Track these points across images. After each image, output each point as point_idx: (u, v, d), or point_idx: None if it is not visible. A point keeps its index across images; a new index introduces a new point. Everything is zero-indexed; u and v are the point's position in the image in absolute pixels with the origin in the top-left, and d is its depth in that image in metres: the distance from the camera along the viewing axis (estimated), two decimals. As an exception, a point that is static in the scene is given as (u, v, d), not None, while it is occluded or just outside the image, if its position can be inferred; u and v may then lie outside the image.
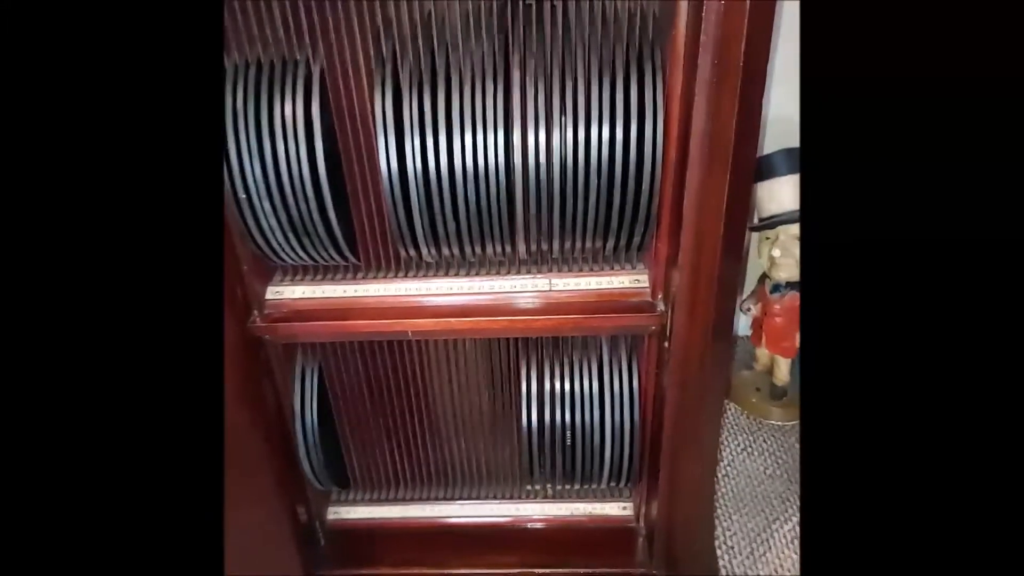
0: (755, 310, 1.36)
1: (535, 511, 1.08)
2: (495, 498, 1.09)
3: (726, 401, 1.46)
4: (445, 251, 0.82)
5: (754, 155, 0.69)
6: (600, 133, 0.73)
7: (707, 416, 0.89)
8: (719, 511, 1.23)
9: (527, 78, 0.73)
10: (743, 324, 1.49)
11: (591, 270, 0.87)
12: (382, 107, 0.73)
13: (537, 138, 0.74)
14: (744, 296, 1.41)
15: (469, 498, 1.09)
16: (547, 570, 1.01)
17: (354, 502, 1.10)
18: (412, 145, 0.74)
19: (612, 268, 0.87)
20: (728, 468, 1.31)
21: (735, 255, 0.74)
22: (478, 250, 0.81)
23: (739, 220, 0.72)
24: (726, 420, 1.42)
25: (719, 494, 1.26)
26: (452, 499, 1.09)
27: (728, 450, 1.35)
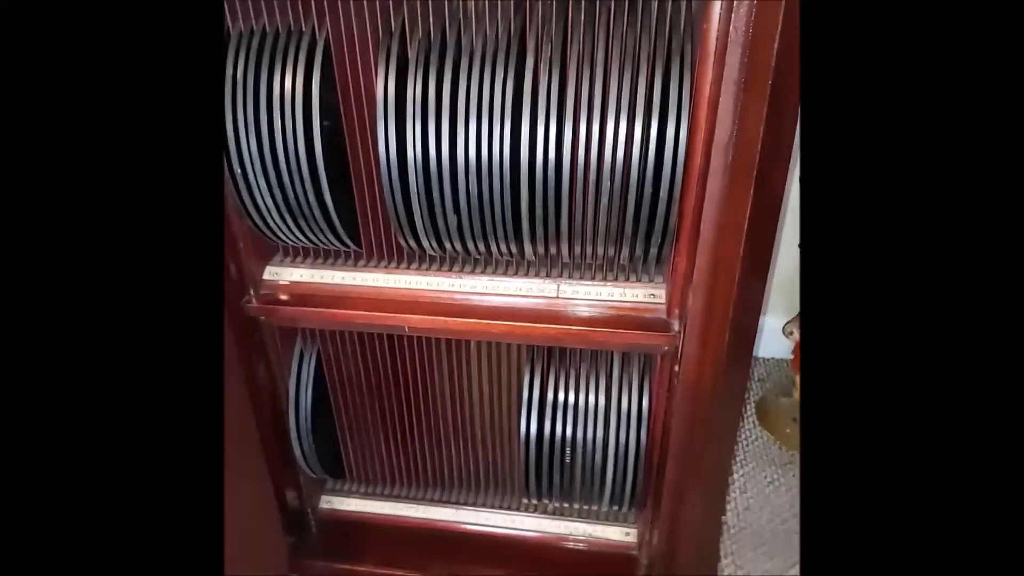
0: (797, 334, 1.26)
1: (531, 525, 1.02)
2: (490, 506, 1.04)
3: (759, 429, 1.36)
4: (447, 246, 0.77)
5: (785, 169, 0.60)
6: (618, 130, 0.66)
7: (716, 448, 0.81)
8: (735, 547, 1.14)
9: (542, 65, 0.66)
10: (786, 347, 1.39)
11: (604, 279, 0.80)
12: (384, 85, 0.68)
13: (548, 132, 0.68)
14: (789, 319, 1.31)
15: (463, 503, 1.04)
16: (534, 590, 0.96)
17: (348, 493, 1.07)
18: (413, 130, 0.69)
19: (627, 279, 0.79)
20: (751, 501, 1.22)
21: (757, 278, 0.66)
22: (482, 248, 0.76)
23: (763, 241, 0.64)
24: (756, 450, 1.32)
25: (738, 528, 1.17)
26: (446, 502, 1.05)
27: (754, 482, 1.25)
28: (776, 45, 0.54)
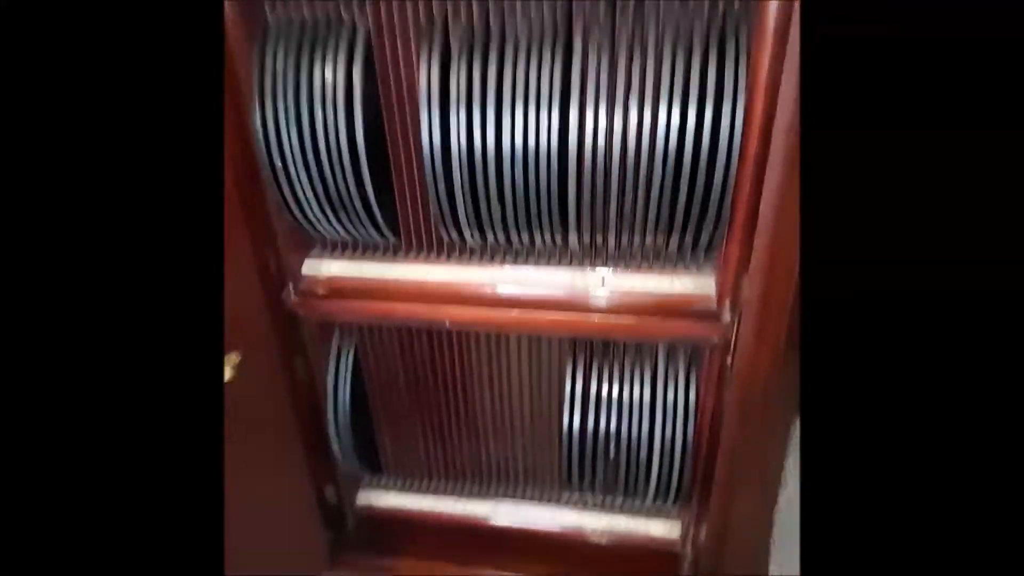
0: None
1: (572, 520, 1.01)
2: (531, 501, 1.02)
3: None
4: (490, 236, 0.75)
5: (850, 152, 0.57)
6: (670, 116, 0.64)
7: (770, 443, 0.79)
8: (780, 543, 1.12)
9: (591, 49, 0.64)
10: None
11: (651, 268, 0.78)
12: (427, 74, 0.66)
13: (598, 118, 0.66)
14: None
15: (503, 497, 1.03)
16: (577, 586, 0.94)
17: (385, 488, 1.06)
18: (457, 119, 0.67)
19: (675, 268, 0.77)
20: (794, 495, 1.19)
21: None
22: (525, 238, 0.74)
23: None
24: (797, 442, 1.29)
25: (783, 523, 1.15)
26: (485, 497, 1.03)
27: (795, 476, 1.23)
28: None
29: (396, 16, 0.68)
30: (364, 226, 0.76)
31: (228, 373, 0.69)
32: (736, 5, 0.61)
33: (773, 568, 1.07)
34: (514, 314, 0.78)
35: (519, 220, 0.72)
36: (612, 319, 0.75)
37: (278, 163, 0.71)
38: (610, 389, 0.87)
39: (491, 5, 0.66)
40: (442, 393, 0.93)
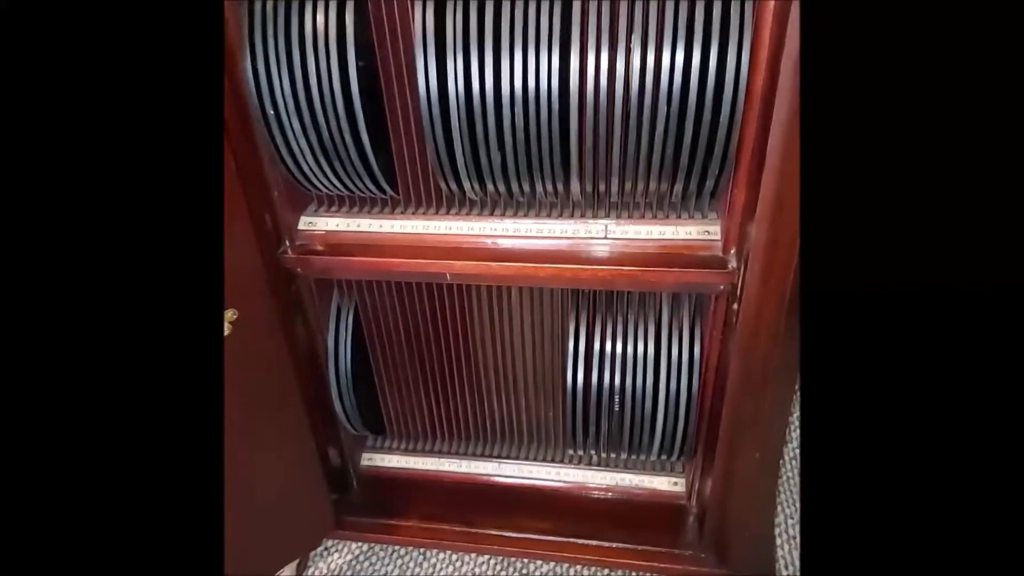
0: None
1: (576, 477, 1.01)
2: (534, 459, 1.02)
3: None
4: (490, 187, 0.73)
5: (862, 83, 0.56)
6: (674, 55, 0.62)
7: (775, 393, 0.78)
8: (785, 496, 1.12)
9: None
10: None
11: (654, 217, 0.76)
12: (422, 17, 0.64)
13: (599, 59, 0.64)
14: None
15: (507, 457, 1.03)
16: (582, 541, 0.94)
17: (388, 450, 1.06)
18: (455, 63, 0.65)
19: (679, 216, 0.76)
20: (797, 451, 1.19)
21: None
22: (526, 188, 0.72)
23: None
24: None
25: (788, 477, 1.15)
26: (489, 456, 1.03)
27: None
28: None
29: (389, -45, 0.65)
30: (360, 178, 0.75)
31: (225, 329, 0.68)
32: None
33: (780, 519, 1.08)
34: (517, 266, 0.76)
35: (519, 168, 0.70)
36: (615, 269, 0.74)
37: (270, 111, 0.69)
38: (613, 344, 0.86)
39: (487, -59, 0.64)
40: (444, 350, 0.92)
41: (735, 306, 0.72)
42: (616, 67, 0.63)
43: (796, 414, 1.25)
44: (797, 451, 1.20)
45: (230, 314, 0.70)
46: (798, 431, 1.22)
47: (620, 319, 0.86)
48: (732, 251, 0.72)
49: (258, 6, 0.66)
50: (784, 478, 1.14)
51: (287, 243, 0.80)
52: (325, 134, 0.70)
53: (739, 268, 0.70)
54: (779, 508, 1.10)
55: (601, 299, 0.86)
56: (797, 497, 1.12)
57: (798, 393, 1.27)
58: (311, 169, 0.74)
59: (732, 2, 0.59)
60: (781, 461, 1.16)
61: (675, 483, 0.99)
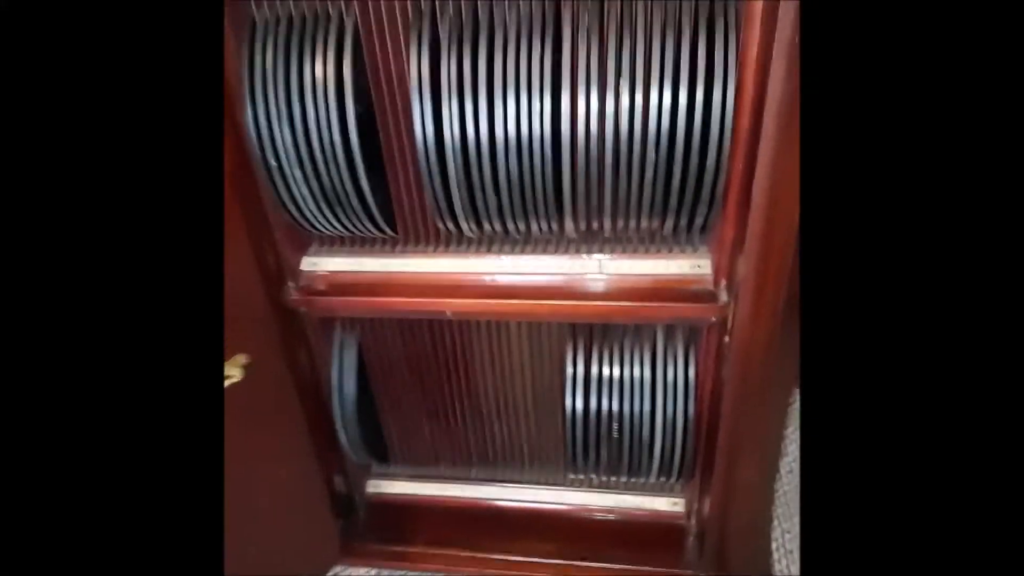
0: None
1: (578, 500, 1.03)
2: (536, 483, 1.04)
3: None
4: (487, 227, 0.75)
5: (841, 129, 0.58)
6: (661, 98, 0.64)
7: (769, 417, 0.80)
8: (781, 510, 1.14)
9: (579, 35, 0.64)
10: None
11: (647, 252, 0.78)
12: (417, 66, 0.66)
13: (589, 103, 0.66)
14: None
15: (509, 481, 1.05)
16: (585, 563, 0.96)
17: (393, 476, 1.08)
18: (450, 109, 0.67)
19: (670, 251, 0.78)
20: (794, 465, 1.22)
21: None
22: (522, 227, 0.75)
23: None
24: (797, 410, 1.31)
25: (783, 492, 1.17)
26: (492, 481, 1.05)
27: (797, 444, 1.25)
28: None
29: (384, 9, 0.68)
30: (361, 221, 0.77)
31: (238, 374, 0.70)
32: (724, -14, 0.62)
33: (777, 534, 1.10)
34: (515, 303, 0.78)
35: (515, 208, 0.72)
36: (610, 304, 0.76)
37: (272, 161, 0.71)
38: (611, 370, 0.88)
39: (478, -4, 0.66)
40: (445, 380, 0.94)
41: (726, 338, 0.74)
42: (606, 111, 0.66)
43: (790, 428, 1.27)
44: (793, 464, 1.22)
45: (241, 358, 0.72)
46: (792, 445, 1.24)
47: (616, 346, 0.88)
48: (723, 285, 0.74)
49: (258, 59, 0.69)
50: (780, 492, 1.17)
51: (291, 284, 0.82)
52: (326, 181, 0.72)
53: (730, 302, 0.73)
54: (776, 522, 1.12)
55: (597, 328, 0.88)
56: (793, 511, 1.14)
57: (791, 408, 1.29)
58: (312, 214, 0.76)
59: (716, 48, 0.62)
60: (777, 475, 1.18)
61: (675, 503, 1.01)
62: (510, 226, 0.74)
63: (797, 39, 0.55)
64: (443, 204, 0.73)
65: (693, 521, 0.99)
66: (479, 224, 0.75)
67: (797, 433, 1.27)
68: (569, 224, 0.74)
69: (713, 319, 0.76)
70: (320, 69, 0.68)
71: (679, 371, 0.86)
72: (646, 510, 1.02)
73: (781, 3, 0.54)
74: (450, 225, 0.76)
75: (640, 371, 0.88)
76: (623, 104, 0.65)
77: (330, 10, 0.68)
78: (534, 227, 0.74)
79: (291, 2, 0.68)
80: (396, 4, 0.67)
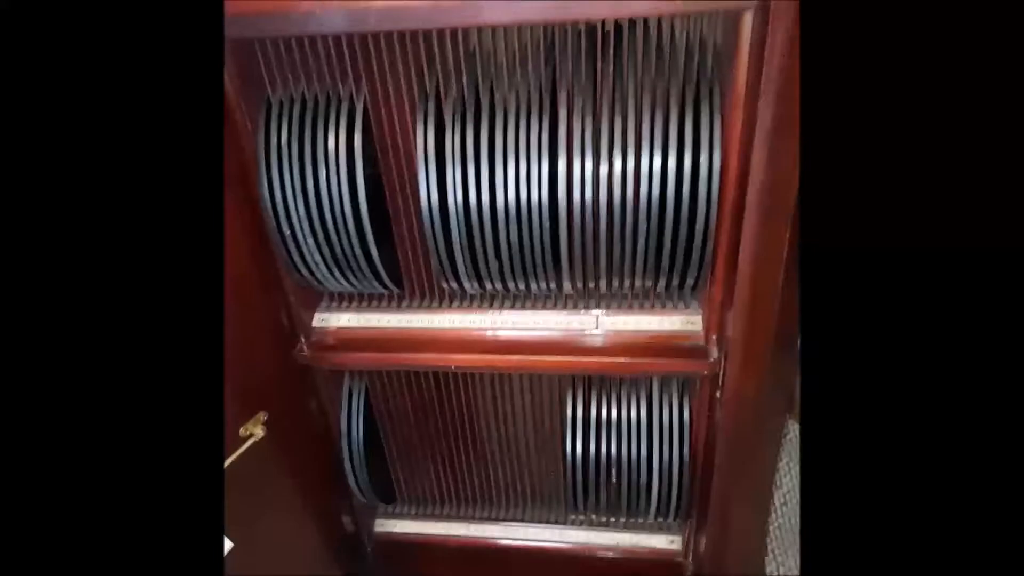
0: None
1: (579, 538, 1.06)
2: (538, 522, 1.07)
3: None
4: (488, 285, 0.79)
5: (819, 208, 0.62)
6: (652, 169, 0.68)
7: (761, 461, 0.84)
8: (775, 544, 1.17)
9: (574, 114, 0.69)
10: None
11: (642, 308, 0.83)
12: (423, 140, 0.71)
13: (584, 175, 0.70)
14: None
15: (513, 520, 1.08)
16: (587, 602, 1.00)
17: (401, 516, 1.11)
18: (453, 178, 0.71)
19: (664, 307, 0.82)
20: (789, 496, 1.25)
21: (795, 311, 0.69)
22: (522, 286, 0.79)
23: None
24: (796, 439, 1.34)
25: (776, 524, 1.21)
26: (496, 520, 1.08)
27: (795, 474, 1.28)
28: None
29: (392, 90, 0.72)
30: (369, 281, 0.81)
31: (260, 432, 0.74)
32: (709, 68, 0.66)
33: (772, 568, 1.13)
34: (516, 358, 0.82)
35: (515, 270, 0.76)
36: (606, 360, 0.80)
37: (286, 230, 0.76)
38: (608, 417, 0.92)
39: (480, 76, 0.70)
40: (450, 427, 0.98)
41: (717, 393, 0.78)
42: (599, 181, 0.70)
43: (784, 460, 1.30)
44: (787, 496, 1.25)
45: (262, 416, 0.76)
46: (786, 477, 1.28)
47: (614, 394, 0.92)
48: (714, 341, 0.78)
49: (273, 136, 0.73)
50: (775, 525, 1.20)
51: (303, 340, 0.87)
52: (336, 247, 0.76)
53: (720, 358, 0.77)
54: (771, 556, 1.16)
55: (596, 376, 0.92)
56: (787, 545, 1.17)
57: (785, 439, 1.32)
58: (324, 276, 0.80)
59: (701, 126, 0.66)
60: (772, 507, 1.22)
61: (672, 541, 1.05)
62: (510, 285, 0.79)
63: (775, 128, 0.59)
64: (447, 265, 0.77)
65: (690, 560, 1.03)
66: (481, 283, 0.79)
67: (790, 465, 1.31)
68: (567, 283, 0.78)
69: (705, 373, 0.80)
70: (332, 144, 0.72)
71: (674, 417, 0.90)
72: (645, 548, 1.05)
73: (761, 98, 0.58)
74: (453, 284, 0.80)
75: (637, 417, 0.92)
76: (615, 176, 0.69)
77: (341, 91, 0.73)
78: (533, 286, 0.79)
79: (304, 83, 0.73)
80: (403, 85, 0.72)
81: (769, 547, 1.17)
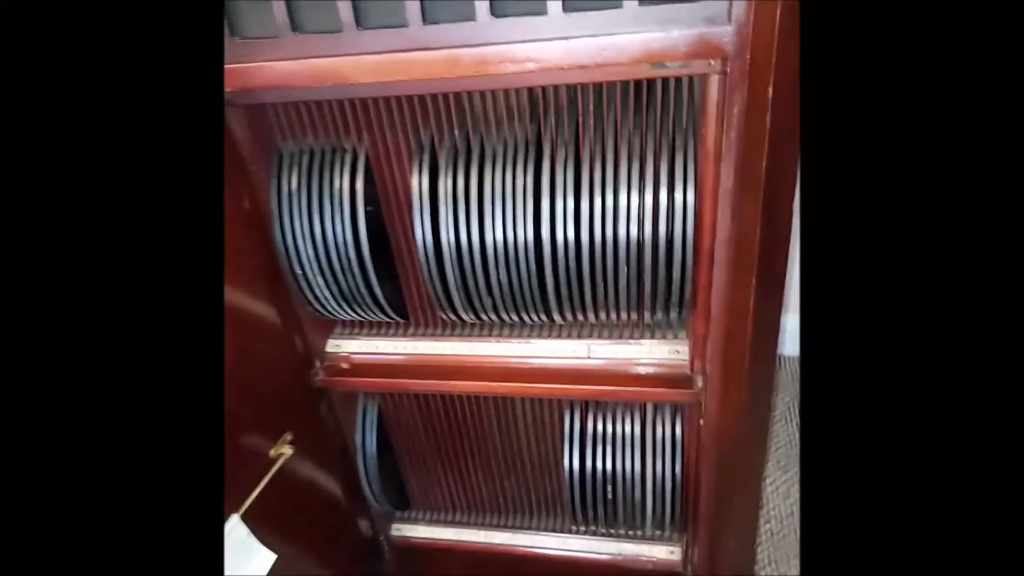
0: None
1: (581, 546, 1.12)
2: (543, 530, 1.13)
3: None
4: (483, 317, 0.85)
5: (783, 261, 0.66)
6: (629, 209, 0.72)
7: (744, 482, 0.88)
8: (778, 553, 1.21)
9: (558, 164, 0.73)
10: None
11: (631, 337, 0.87)
12: (419, 185, 0.76)
13: (566, 213, 0.74)
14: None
15: (518, 527, 1.14)
16: (588, 609, 1.05)
17: (416, 521, 1.19)
18: (446, 223, 0.77)
19: (652, 336, 0.86)
20: (795, 507, 1.28)
21: (766, 352, 0.72)
22: (515, 317, 0.84)
23: (770, 317, 0.70)
24: (798, 453, 1.37)
25: (781, 535, 1.24)
26: (504, 527, 1.15)
27: (797, 487, 1.31)
28: (764, 161, 0.59)
29: (390, 142, 0.78)
30: (374, 313, 0.87)
31: (289, 450, 0.83)
32: (684, 125, 0.70)
33: (766, 569, 1.17)
34: (513, 385, 0.88)
35: (506, 303, 0.82)
36: (598, 388, 0.85)
37: (297, 270, 0.82)
38: (604, 436, 0.96)
39: (471, 128, 0.75)
40: (458, 443, 1.05)
41: (700, 420, 0.82)
42: (580, 225, 0.74)
43: (780, 479, 1.33)
44: (792, 507, 1.28)
45: (288, 436, 0.85)
46: (778, 488, 1.31)
47: (610, 414, 0.97)
48: (698, 370, 0.82)
49: (284, 184, 0.80)
50: (769, 534, 1.23)
51: (318, 364, 0.94)
52: (343, 284, 0.83)
53: (703, 387, 0.81)
54: (760, 565, 1.19)
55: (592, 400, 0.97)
56: (785, 554, 1.20)
57: (782, 453, 1.35)
58: (333, 309, 0.87)
59: (675, 175, 0.70)
60: (765, 522, 1.25)
61: (671, 551, 1.09)
62: (504, 316, 0.84)
63: (737, 188, 0.63)
64: (443, 299, 0.83)
65: (689, 570, 1.07)
66: (476, 315, 0.85)
67: (786, 475, 1.33)
68: (556, 315, 0.83)
69: (690, 401, 0.84)
70: (337, 190, 0.78)
71: (667, 436, 0.94)
72: (646, 558, 1.10)
73: (722, 162, 0.62)
74: (451, 316, 0.85)
75: (632, 435, 0.96)
76: (596, 221, 0.73)
77: (344, 143, 0.79)
78: (525, 318, 0.84)
79: (312, 137, 0.79)
80: (400, 139, 0.77)
81: (769, 556, 1.21)
